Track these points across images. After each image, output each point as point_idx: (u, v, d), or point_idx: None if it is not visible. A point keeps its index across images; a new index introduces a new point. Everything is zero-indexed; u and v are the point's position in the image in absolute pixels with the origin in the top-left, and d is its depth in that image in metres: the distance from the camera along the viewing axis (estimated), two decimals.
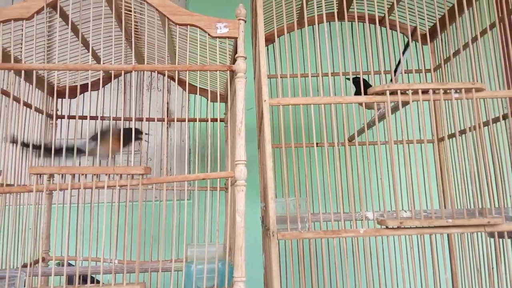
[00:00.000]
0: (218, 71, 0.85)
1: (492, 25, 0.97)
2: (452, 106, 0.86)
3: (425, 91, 0.83)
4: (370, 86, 0.87)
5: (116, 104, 1.12)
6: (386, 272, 0.82)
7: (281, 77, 0.90)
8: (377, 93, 0.82)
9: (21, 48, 0.90)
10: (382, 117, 0.91)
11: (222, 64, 0.84)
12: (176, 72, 0.82)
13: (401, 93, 0.82)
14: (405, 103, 0.84)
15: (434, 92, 0.83)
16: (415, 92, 0.83)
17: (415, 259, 0.82)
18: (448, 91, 0.84)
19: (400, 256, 0.81)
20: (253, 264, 1.09)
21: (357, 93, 1.04)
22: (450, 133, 1.09)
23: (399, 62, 1.04)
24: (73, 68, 0.80)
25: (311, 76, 0.89)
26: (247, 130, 0.82)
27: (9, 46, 0.88)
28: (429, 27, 1.19)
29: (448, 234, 1.14)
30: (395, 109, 0.87)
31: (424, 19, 1.14)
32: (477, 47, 0.90)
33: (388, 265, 0.84)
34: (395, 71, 1.06)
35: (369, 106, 1.02)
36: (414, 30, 1.16)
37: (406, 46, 1.03)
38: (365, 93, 0.83)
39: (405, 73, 0.89)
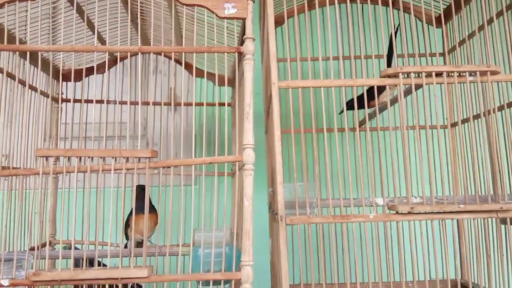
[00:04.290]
0: (225, 53, 0.83)
1: (508, 7, 0.94)
2: (466, 90, 0.84)
3: (439, 74, 0.80)
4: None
5: (121, 88, 1.11)
6: (394, 258, 0.81)
7: (290, 61, 0.88)
8: (389, 76, 0.80)
9: (26, 29, 0.89)
10: (394, 101, 0.89)
11: (230, 46, 0.82)
12: (183, 54, 0.80)
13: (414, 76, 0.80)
14: (418, 86, 0.82)
15: (448, 75, 0.81)
16: (428, 75, 0.80)
17: (424, 245, 0.81)
18: (462, 74, 0.81)
19: (409, 242, 0.80)
20: (258, 250, 1.09)
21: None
22: (463, 117, 1.07)
23: (391, 46, 1.00)
24: (78, 50, 0.78)
25: (321, 60, 0.87)
26: (253, 116, 0.80)
27: (14, 27, 0.86)
28: (443, 9, 1.16)
29: (458, 221, 1.13)
30: (407, 92, 0.85)
31: (438, 1, 1.11)
32: (492, 30, 0.87)
33: (396, 251, 0.83)
34: (389, 57, 1.02)
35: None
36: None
37: (397, 29, 0.99)
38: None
39: (418, 56, 0.87)
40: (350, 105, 0.99)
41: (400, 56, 1.04)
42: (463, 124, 1.04)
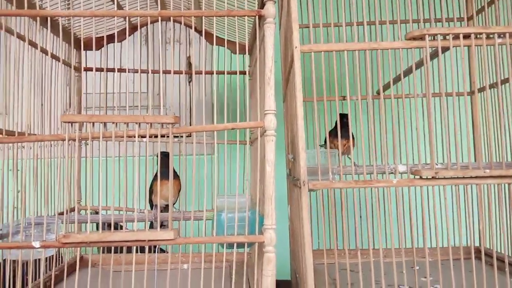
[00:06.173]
0: (246, 17, 0.81)
1: None
2: (494, 53, 0.81)
3: (466, 36, 0.78)
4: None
5: (139, 57, 1.10)
6: (418, 223, 0.81)
7: (313, 27, 0.85)
8: (415, 38, 0.78)
9: None
10: (419, 65, 0.87)
11: (250, 10, 0.81)
12: (203, 19, 0.79)
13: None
14: (444, 49, 0.79)
15: (476, 37, 0.78)
16: (455, 37, 0.78)
17: (448, 212, 0.81)
18: (491, 35, 0.78)
19: (433, 208, 0.80)
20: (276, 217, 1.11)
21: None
22: (491, 82, 1.04)
23: None
24: (99, 15, 0.78)
25: (345, 26, 0.84)
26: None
27: None
28: None
29: (479, 190, 1.11)
30: (433, 55, 0.82)
31: None
32: None
33: (420, 217, 0.83)
34: None
35: None
36: None
37: None
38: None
39: (445, 21, 0.84)
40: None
41: (427, 21, 1.00)
42: (489, 90, 1.02)
